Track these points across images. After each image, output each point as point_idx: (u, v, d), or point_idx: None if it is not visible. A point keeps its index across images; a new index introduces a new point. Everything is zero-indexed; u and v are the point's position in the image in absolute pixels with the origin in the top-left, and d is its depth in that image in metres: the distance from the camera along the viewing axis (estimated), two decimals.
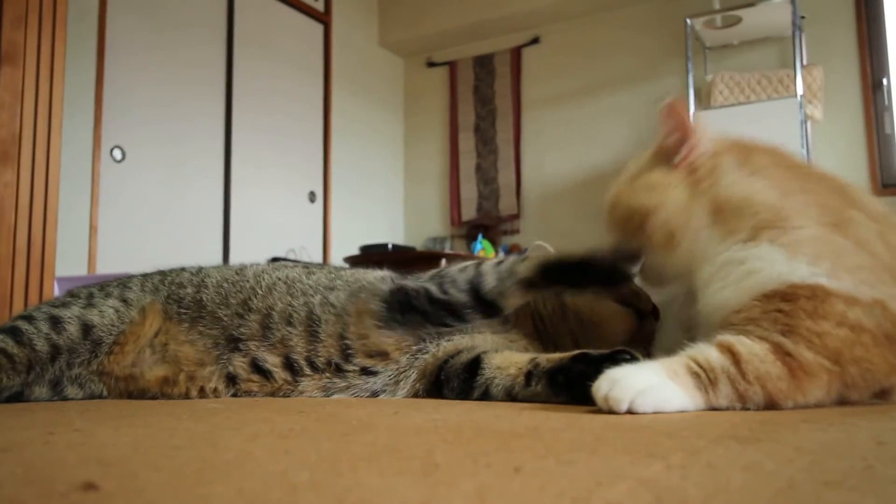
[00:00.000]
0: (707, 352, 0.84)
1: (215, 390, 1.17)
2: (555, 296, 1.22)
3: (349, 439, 0.66)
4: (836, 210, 0.93)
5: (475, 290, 1.10)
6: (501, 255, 5.04)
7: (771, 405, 0.83)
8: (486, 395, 1.05)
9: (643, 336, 1.17)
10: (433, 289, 1.12)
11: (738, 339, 0.85)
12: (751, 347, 0.84)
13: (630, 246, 1.05)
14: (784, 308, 0.85)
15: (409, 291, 1.14)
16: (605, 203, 1.10)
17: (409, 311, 1.12)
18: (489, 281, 1.10)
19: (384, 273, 1.27)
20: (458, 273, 1.14)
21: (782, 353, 0.83)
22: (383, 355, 1.14)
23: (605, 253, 1.09)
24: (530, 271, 1.09)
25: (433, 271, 1.19)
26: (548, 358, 1.01)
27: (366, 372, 1.14)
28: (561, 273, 1.10)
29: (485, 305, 1.11)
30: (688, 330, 1.00)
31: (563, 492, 0.43)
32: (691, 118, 1.00)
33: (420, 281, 1.16)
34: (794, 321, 0.84)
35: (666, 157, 1.02)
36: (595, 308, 1.18)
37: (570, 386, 0.95)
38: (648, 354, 1.16)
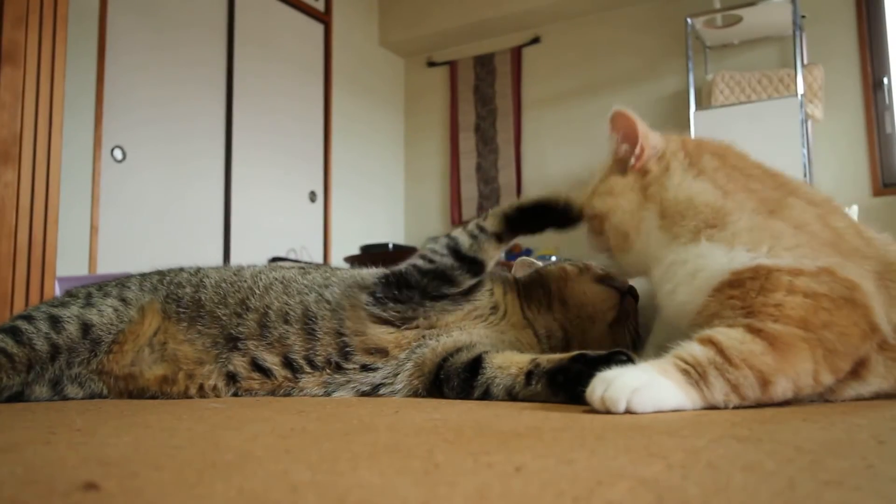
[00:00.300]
0: (690, 348, 0.86)
1: (215, 388, 1.17)
2: (539, 285, 1.26)
3: (350, 439, 0.66)
4: (773, 200, 0.97)
5: (456, 251, 1.17)
6: (501, 256, 5.03)
7: (765, 386, 0.83)
8: (486, 395, 1.05)
9: (625, 314, 1.21)
10: (419, 262, 1.18)
11: (715, 329, 0.87)
12: (728, 333, 0.85)
13: (600, 247, 1.12)
14: (735, 294, 0.88)
15: (401, 271, 1.19)
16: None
17: (403, 288, 1.17)
18: (464, 241, 1.18)
19: (378, 270, 1.29)
20: (434, 244, 1.21)
21: (755, 331, 0.84)
22: (383, 352, 1.15)
23: (556, 196, 1.18)
24: (496, 226, 1.18)
25: (416, 253, 1.25)
26: (548, 358, 1.02)
27: (366, 369, 1.14)
28: (522, 221, 1.19)
29: (469, 262, 1.17)
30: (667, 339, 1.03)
31: (564, 491, 0.43)
32: (638, 124, 1.04)
33: (405, 263, 1.21)
34: (747, 302, 0.87)
35: (622, 164, 1.08)
36: (578, 290, 1.23)
37: (569, 386, 0.96)
38: (635, 335, 1.19)
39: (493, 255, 1.20)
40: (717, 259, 0.92)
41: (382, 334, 1.15)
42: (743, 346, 0.83)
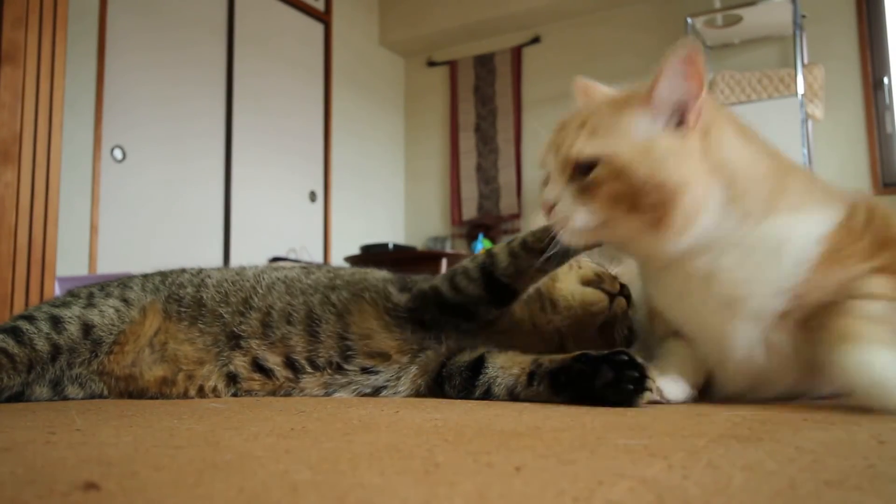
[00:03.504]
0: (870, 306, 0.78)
1: (215, 389, 1.17)
2: (534, 290, 1.22)
3: (350, 439, 0.66)
4: (781, 158, 0.91)
5: (488, 274, 1.10)
6: None
7: None
8: (487, 394, 1.05)
9: (614, 318, 1.17)
10: (444, 290, 1.13)
11: (860, 301, 0.79)
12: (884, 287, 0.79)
13: (605, 229, 0.87)
14: (850, 252, 0.79)
15: (424, 293, 1.14)
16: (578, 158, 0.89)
17: (425, 310, 1.13)
18: (501, 260, 1.09)
19: (385, 274, 1.28)
20: (469, 262, 1.14)
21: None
22: (384, 356, 1.14)
23: None
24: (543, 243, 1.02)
25: (449, 270, 1.19)
26: (550, 358, 1.01)
27: (366, 371, 1.14)
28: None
29: (499, 290, 1.09)
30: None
31: (565, 491, 0.43)
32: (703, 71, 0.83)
33: (433, 280, 1.16)
34: (877, 238, 0.80)
35: (660, 109, 0.86)
36: (566, 292, 1.19)
37: (571, 386, 0.96)
38: (629, 334, 1.16)
39: (530, 284, 1.10)
40: (802, 228, 0.79)
41: (387, 339, 1.15)
42: None
